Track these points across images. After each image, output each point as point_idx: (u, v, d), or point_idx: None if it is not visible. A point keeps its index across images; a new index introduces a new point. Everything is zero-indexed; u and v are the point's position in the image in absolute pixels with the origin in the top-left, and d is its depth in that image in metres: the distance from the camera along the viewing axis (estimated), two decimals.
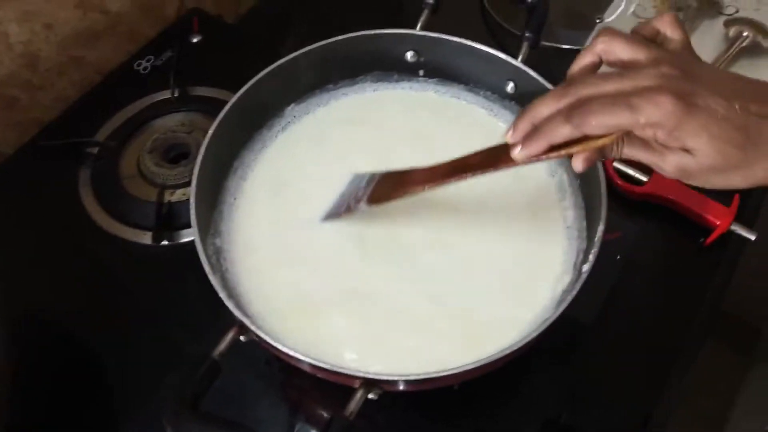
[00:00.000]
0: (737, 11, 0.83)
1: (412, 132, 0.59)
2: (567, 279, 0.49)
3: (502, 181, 0.55)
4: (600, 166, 0.49)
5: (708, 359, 0.63)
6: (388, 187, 0.50)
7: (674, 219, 0.66)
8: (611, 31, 0.40)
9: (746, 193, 0.67)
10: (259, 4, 0.88)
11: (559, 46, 0.77)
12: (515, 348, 0.42)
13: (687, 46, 0.40)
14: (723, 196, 0.65)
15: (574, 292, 0.44)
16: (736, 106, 0.36)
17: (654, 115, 0.35)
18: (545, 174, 0.56)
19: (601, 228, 0.46)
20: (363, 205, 0.51)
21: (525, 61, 0.56)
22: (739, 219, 0.65)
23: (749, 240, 0.65)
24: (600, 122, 0.36)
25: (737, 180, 0.37)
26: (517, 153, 0.40)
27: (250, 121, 0.57)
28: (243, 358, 0.56)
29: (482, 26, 0.83)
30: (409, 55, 0.60)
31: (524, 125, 0.40)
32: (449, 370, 0.41)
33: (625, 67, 0.39)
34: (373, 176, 0.52)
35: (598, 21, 0.79)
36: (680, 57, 0.39)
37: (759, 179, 0.37)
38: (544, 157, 0.39)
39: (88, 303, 0.60)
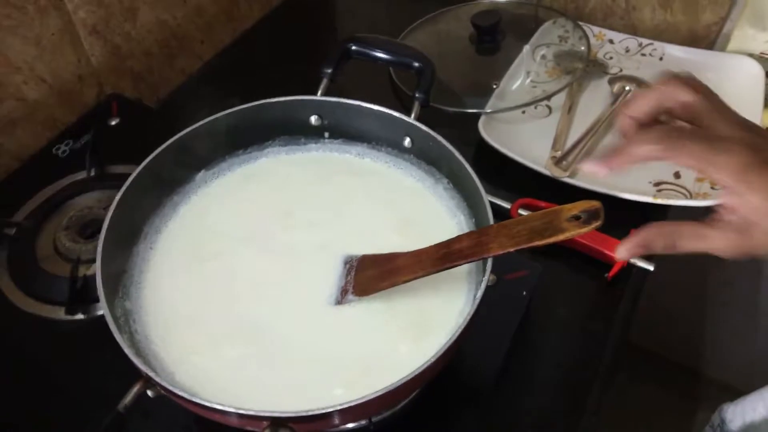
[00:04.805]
0: (621, 70, 0.91)
1: (321, 190, 0.62)
2: (467, 311, 0.51)
3: (405, 221, 0.59)
4: (487, 203, 0.52)
5: (621, 390, 0.66)
6: (373, 276, 0.52)
7: (578, 257, 0.70)
8: (675, 79, 0.42)
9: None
10: (178, 90, 0.92)
11: (461, 110, 0.83)
12: (413, 375, 0.43)
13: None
14: (620, 231, 0.70)
15: (468, 318, 0.46)
16: None
17: (731, 162, 0.38)
18: (447, 217, 0.60)
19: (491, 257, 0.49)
20: (351, 296, 0.52)
21: (418, 118, 0.61)
22: None
23: (650, 271, 0.70)
24: (691, 151, 0.38)
25: None
26: (589, 166, 0.42)
27: (158, 189, 0.59)
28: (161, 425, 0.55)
29: (391, 92, 0.89)
30: (313, 119, 0.64)
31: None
32: (348, 402, 0.42)
33: (684, 109, 0.42)
34: (351, 260, 0.54)
35: (494, 87, 0.86)
36: (752, 122, 0.41)
37: None
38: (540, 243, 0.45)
39: (1, 381, 0.59)
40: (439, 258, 0.49)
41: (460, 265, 0.48)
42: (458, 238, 0.50)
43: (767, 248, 0.39)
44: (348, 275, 0.54)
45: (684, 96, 0.41)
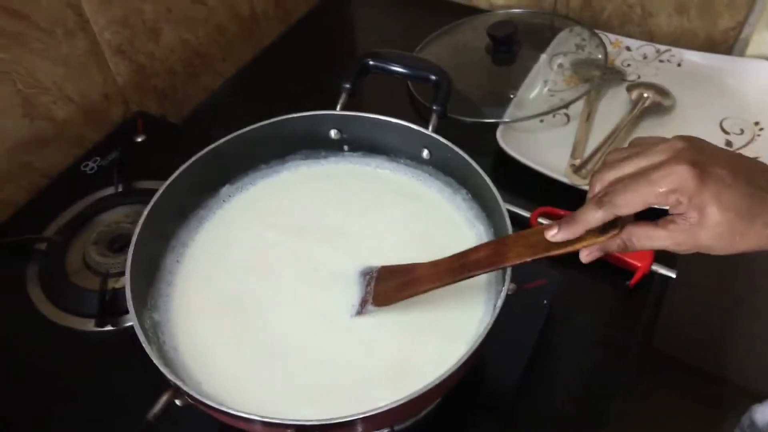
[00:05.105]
0: (639, 77, 0.91)
1: (341, 202, 0.63)
2: (487, 320, 0.52)
3: (425, 232, 0.60)
4: (506, 213, 0.53)
5: (645, 398, 0.65)
6: (393, 287, 0.53)
7: (598, 265, 0.69)
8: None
9: None
10: (201, 106, 0.94)
11: (479, 120, 0.84)
12: (435, 384, 0.44)
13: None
14: None
15: (489, 327, 0.46)
16: (741, 177, 0.39)
17: (674, 182, 0.39)
18: (466, 227, 0.60)
19: (509, 266, 0.49)
20: (371, 307, 0.53)
21: (436, 130, 0.62)
22: (660, 259, 0.69)
23: (672, 278, 0.69)
24: (626, 201, 0.41)
25: (724, 246, 0.40)
26: (552, 234, 0.46)
27: (184, 204, 0.61)
28: None
29: (409, 106, 0.91)
30: (333, 133, 0.65)
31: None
32: (371, 411, 0.43)
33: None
34: (370, 271, 0.55)
35: (512, 96, 0.86)
36: (687, 136, 0.43)
37: (742, 247, 0.40)
38: (554, 253, 0.46)
39: (33, 391, 0.61)
40: (458, 268, 0.50)
41: (478, 274, 0.49)
42: (476, 248, 0.50)
43: (710, 247, 0.41)
44: (368, 286, 0.55)
45: (595, 215, 0.43)
